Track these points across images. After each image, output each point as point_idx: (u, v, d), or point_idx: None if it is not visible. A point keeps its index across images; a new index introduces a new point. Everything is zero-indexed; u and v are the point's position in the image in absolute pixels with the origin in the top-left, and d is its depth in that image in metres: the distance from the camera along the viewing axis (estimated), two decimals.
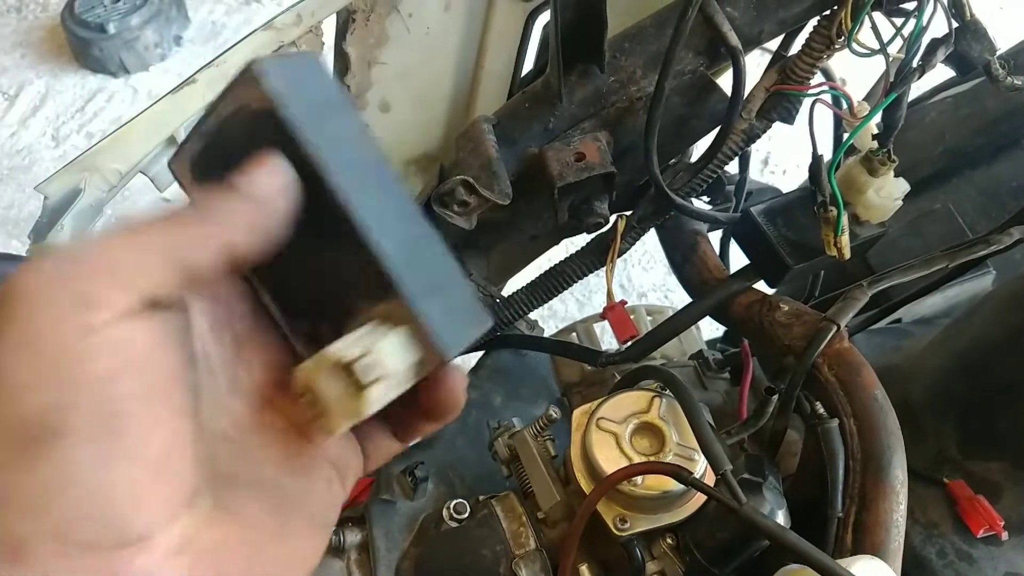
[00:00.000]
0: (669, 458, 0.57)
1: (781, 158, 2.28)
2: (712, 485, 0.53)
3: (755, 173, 2.25)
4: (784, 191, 0.79)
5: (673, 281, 0.77)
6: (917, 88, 0.91)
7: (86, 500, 0.28)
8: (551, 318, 1.90)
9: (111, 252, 0.29)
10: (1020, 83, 0.63)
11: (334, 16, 0.65)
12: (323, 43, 0.65)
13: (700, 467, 0.57)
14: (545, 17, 0.73)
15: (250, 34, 0.58)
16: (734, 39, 0.60)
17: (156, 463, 0.29)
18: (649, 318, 0.92)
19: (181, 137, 0.59)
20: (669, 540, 0.58)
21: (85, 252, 0.29)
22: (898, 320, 0.95)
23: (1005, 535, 0.64)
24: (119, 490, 0.29)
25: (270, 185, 0.32)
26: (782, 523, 0.53)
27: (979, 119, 0.98)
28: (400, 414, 0.40)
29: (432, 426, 0.40)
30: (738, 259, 0.74)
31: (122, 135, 0.57)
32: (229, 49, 0.57)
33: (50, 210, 0.54)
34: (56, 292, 0.28)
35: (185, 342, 0.32)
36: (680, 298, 0.75)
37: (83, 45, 2.60)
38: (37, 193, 0.56)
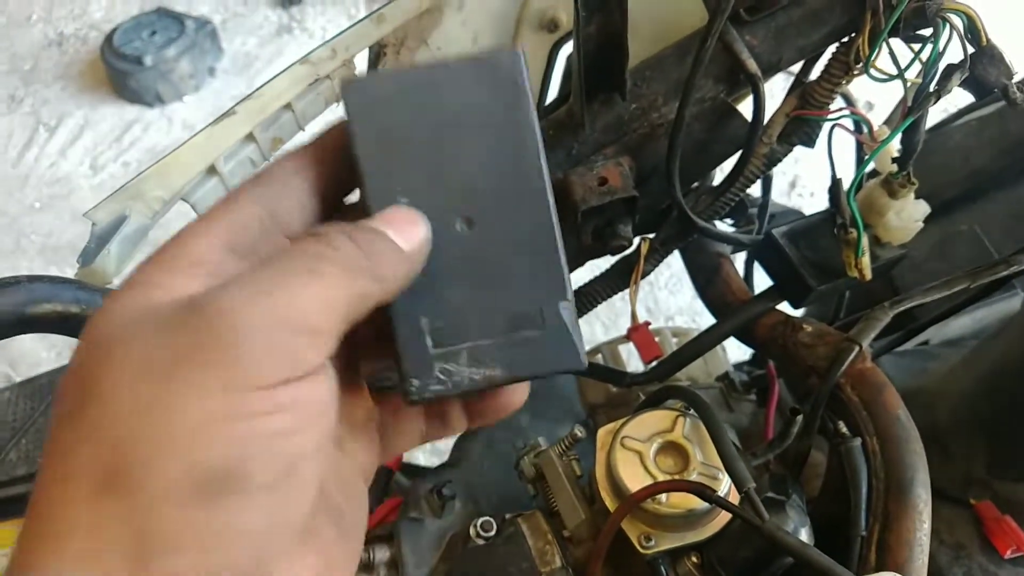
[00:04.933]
0: (693, 477, 0.58)
1: (809, 181, 2.28)
2: (736, 504, 0.54)
3: (783, 196, 2.27)
4: (807, 214, 0.80)
5: (700, 304, 0.78)
6: (942, 111, 0.92)
7: (247, 550, 0.29)
8: None
9: (308, 305, 0.30)
10: None
11: (366, 50, 0.68)
12: (356, 76, 0.68)
13: (724, 486, 0.57)
14: (568, 48, 0.75)
15: (287, 68, 0.60)
16: (753, 66, 0.62)
17: (305, 519, 0.31)
18: (674, 339, 0.93)
19: (221, 167, 0.62)
20: (694, 558, 0.59)
21: (281, 296, 0.29)
22: (925, 342, 0.95)
23: None
24: (276, 544, 0.30)
25: (419, 238, 0.34)
26: (805, 541, 0.54)
27: (1004, 141, 0.98)
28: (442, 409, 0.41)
29: (470, 423, 0.41)
30: (762, 281, 0.75)
31: (165, 165, 0.59)
32: (267, 83, 0.60)
33: (97, 235, 0.56)
34: (259, 338, 0.29)
35: (337, 395, 0.32)
36: (708, 322, 0.76)
37: (121, 77, 2.68)
38: (75, 221, 0.59)
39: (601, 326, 1.97)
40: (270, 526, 0.29)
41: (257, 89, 0.60)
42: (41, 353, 2.08)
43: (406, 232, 0.34)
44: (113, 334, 0.30)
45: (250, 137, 0.62)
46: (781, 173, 2.32)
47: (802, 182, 2.28)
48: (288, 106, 0.63)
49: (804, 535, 0.54)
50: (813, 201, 2.23)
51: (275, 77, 0.60)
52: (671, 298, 2.07)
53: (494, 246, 0.36)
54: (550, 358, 0.36)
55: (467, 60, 0.36)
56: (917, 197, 0.66)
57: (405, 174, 0.35)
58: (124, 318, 0.30)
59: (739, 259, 0.85)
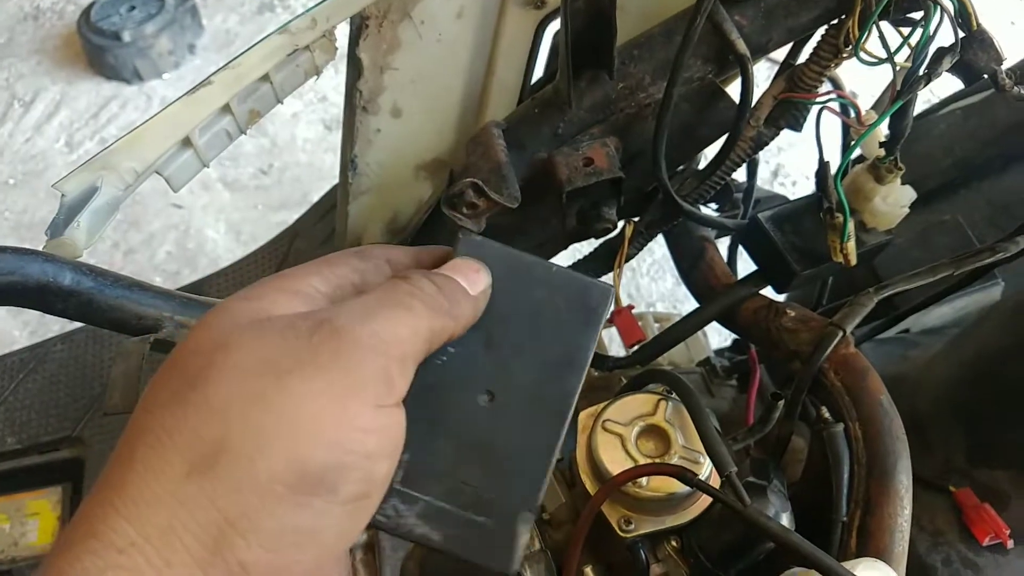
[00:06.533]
0: (674, 460, 0.57)
1: (792, 170, 2.28)
2: (717, 488, 0.53)
3: (765, 184, 2.26)
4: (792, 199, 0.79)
5: (682, 291, 0.78)
6: (925, 101, 0.91)
7: (311, 556, 0.31)
8: None
9: (401, 332, 0.34)
10: None
11: (348, 22, 0.66)
12: (336, 48, 0.66)
13: (705, 469, 0.57)
14: (555, 25, 0.74)
15: (265, 37, 0.59)
16: (742, 47, 0.61)
17: (345, 550, 0.34)
18: (656, 324, 0.92)
19: (196, 139, 0.60)
20: (674, 542, 0.59)
21: (382, 323, 0.34)
22: (906, 330, 0.95)
23: (1011, 543, 0.64)
24: (330, 562, 0.33)
25: (484, 285, 0.40)
26: (786, 526, 0.54)
27: (988, 131, 0.98)
28: None
29: None
30: (746, 266, 0.74)
31: (138, 135, 0.58)
32: (244, 52, 0.58)
33: (67, 207, 0.54)
34: (367, 356, 0.33)
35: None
36: (689, 309, 0.75)
37: (98, 52, 2.63)
38: (50, 198, 0.57)
39: None
40: (336, 541, 0.32)
41: (234, 58, 0.58)
42: (14, 332, 2.04)
43: (472, 279, 0.39)
44: (229, 332, 0.33)
45: (226, 109, 0.61)
46: (764, 162, 2.32)
47: (785, 171, 2.29)
48: (266, 77, 0.62)
49: (785, 520, 0.54)
50: (796, 190, 2.23)
51: (253, 46, 0.58)
52: (652, 285, 2.06)
53: (499, 432, 0.38)
54: (486, 551, 0.38)
55: (568, 272, 0.41)
56: (903, 183, 0.65)
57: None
58: (239, 321, 0.34)
59: (723, 244, 0.85)
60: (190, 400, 0.31)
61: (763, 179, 2.27)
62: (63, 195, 0.55)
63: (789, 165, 2.28)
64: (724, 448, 0.53)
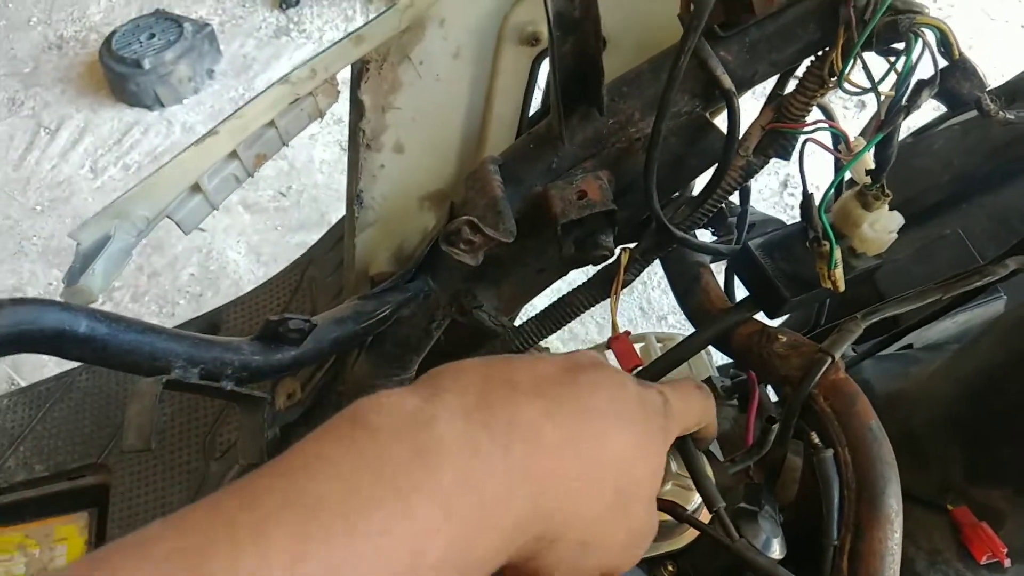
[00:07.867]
0: (667, 488, 0.59)
1: (800, 180, 2.28)
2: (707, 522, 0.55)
3: (774, 196, 2.26)
4: (789, 222, 0.80)
5: None
6: (933, 108, 0.92)
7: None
8: (571, 340, 1.92)
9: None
10: (1013, 116, 0.65)
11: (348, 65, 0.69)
12: (338, 91, 0.69)
13: (698, 498, 0.58)
14: None
15: (267, 89, 0.61)
16: (727, 82, 0.63)
17: None
18: (659, 345, 0.94)
19: (205, 184, 0.63)
20: (670, 567, 0.60)
21: None
22: (909, 345, 0.96)
23: (1008, 562, 0.64)
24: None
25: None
26: (777, 552, 0.55)
27: (987, 145, 0.99)
28: None
29: None
30: (743, 289, 0.76)
31: (149, 184, 0.61)
32: (249, 103, 0.61)
33: (82, 255, 0.58)
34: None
35: None
36: None
37: (120, 80, 2.70)
38: (76, 223, 0.59)
39: (595, 325, 1.98)
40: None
41: (239, 109, 0.61)
42: (43, 357, 2.09)
43: None
44: None
45: (233, 155, 0.63)
46: (773, 173, 2.32)
47: (794, 182, 2.29)
48: (271, 123, 0.64)
49: (776, 545, 0.56)
50: None
51: (256, 97, 0.61)
52: (664, 298, 2.07)
53: None
54: None
55: None
56: (892, 207, 0.66)
57: None
58: None
59: (722, 266, 0.86)
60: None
61: (772, 190, 2.28)
62: (78, 244, 0.58)
63: (798, 176, 2.28)
64: (711, 483, 0.54)
